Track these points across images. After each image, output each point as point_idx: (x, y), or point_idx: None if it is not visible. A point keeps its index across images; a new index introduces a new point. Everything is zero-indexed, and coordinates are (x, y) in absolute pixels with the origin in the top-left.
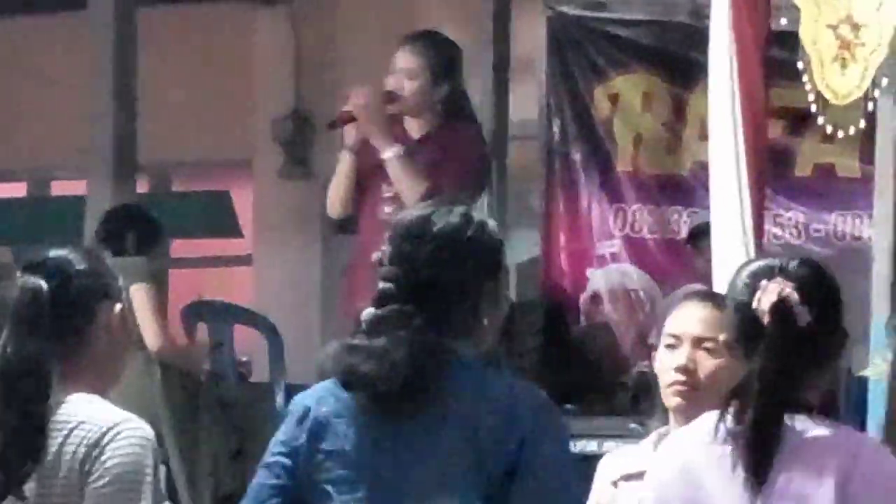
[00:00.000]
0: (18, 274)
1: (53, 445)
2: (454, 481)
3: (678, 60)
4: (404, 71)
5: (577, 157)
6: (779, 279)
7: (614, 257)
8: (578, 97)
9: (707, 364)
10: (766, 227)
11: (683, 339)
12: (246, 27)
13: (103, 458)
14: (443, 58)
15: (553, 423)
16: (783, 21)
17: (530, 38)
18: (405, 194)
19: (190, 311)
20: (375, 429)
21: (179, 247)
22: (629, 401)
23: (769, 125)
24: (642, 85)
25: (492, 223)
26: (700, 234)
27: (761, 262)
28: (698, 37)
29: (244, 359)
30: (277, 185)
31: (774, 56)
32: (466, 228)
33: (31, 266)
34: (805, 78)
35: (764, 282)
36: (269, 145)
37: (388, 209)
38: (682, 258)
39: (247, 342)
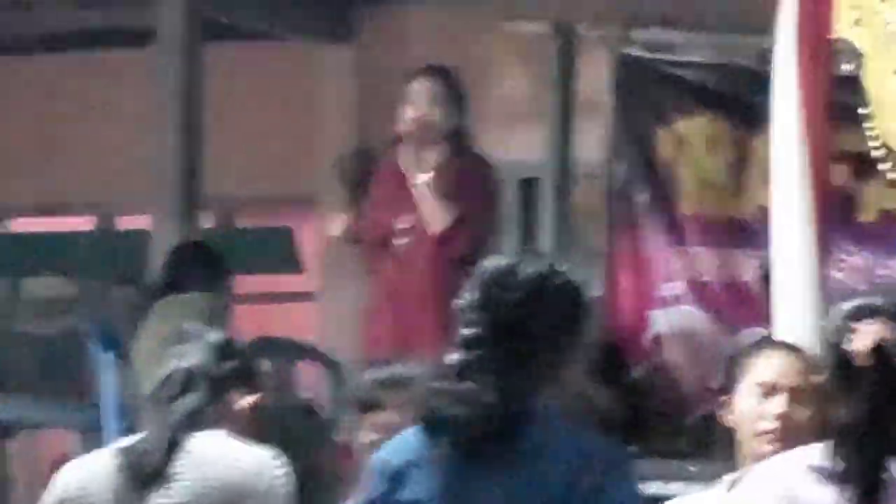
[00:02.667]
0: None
1: (189, 468)
2: None
3: (743, 104)
4: (431, 98)
5: (640, 198)
6: (874, 320)
7: (678, 299)
8: (642, 139)
9: (802, 413)
10: (829, 272)
11: (779, 388)
12: (311, 64)
13: (263, 489)
14: (454, 91)
15: (623, 478)
16: (847, 66)
17: (595, 80)
18: (433, 221)
19: (254, 347)
20: (450, 476)
21: (243, 283)
22: (691, 444)
23: (832, 170)
24: (706, 128)
25: (578, 273)
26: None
27: (855, 303)
28: (763, 81)
29: (308, 395)
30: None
31: (838, 101)
32: (553, 277)
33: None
34: (869, 124)
35: (859, 323)
36: (333, 182)
37: (403, 241)
38: (746, 301)
39: (311, 378)
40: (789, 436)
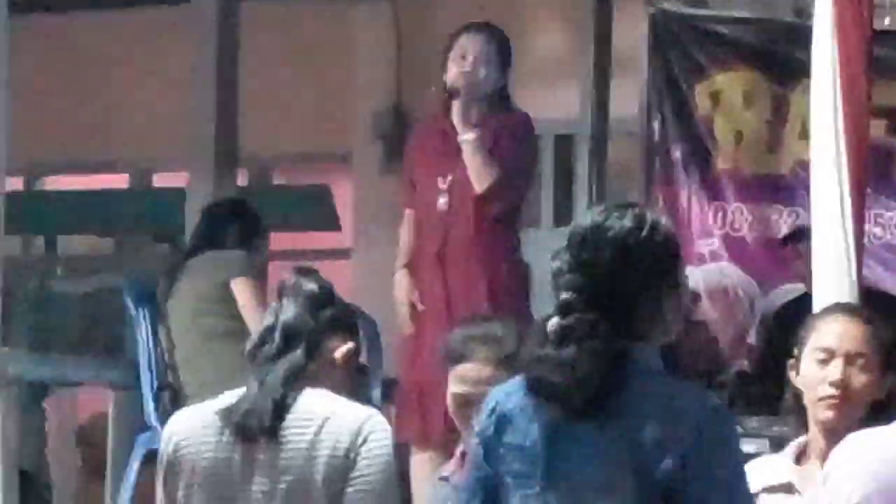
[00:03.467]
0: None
1: (303, 432)
2: (615, 487)
3: (780, 58)
4: (480, 56)
5: (677, 154)
6: None
7: (714, 255)
8: (679, 95)
9: (860, 379)
10: (867, 226)
11: (837, 353)
12: (347, 21)
13: (367, 446)
14: (501, 47)
15: (719, 434)
16: (886, 21)
17: (632, 36)
18: (478, 179)
19: None
20: (553, 427)
21: (279, 240)
22: (726, 399)
23: (871, 124)
24: (743, 83)
25: (665, 221)
26: (799, 235)
27: None
28: (801, 35)
29: None
30: (376, 180)
31: (877, 55)
32: (641, 230)
33: (304, 272)
34: None
35: None
36: (369, 139)
37: (443, 201)
38: (782, 257)
39: None
40: (849, 402)
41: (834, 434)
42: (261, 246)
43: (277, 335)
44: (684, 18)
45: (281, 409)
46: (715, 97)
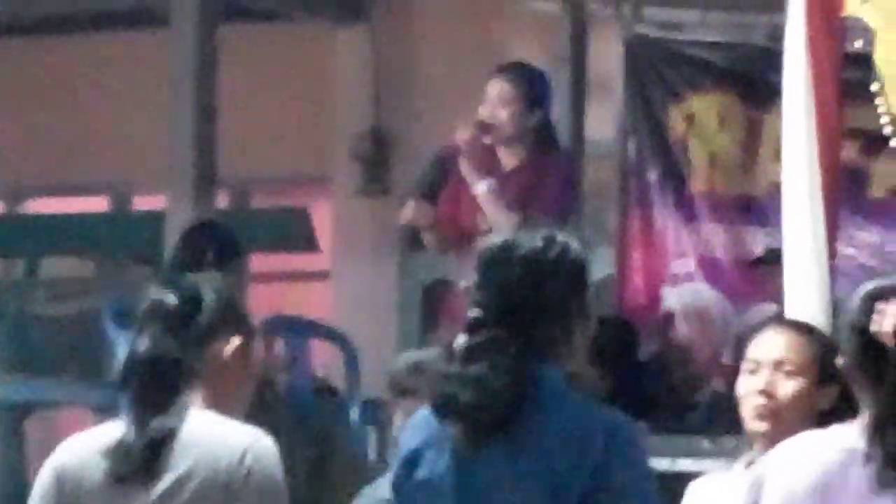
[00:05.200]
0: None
1: (176, 454)
2: None
3: (754, 81)
4: (498, 99)
5: (652, 176)
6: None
7: (688, 276)
8: (654, 117)
9: (786, 386)
10: (840, 248)
11: (763, 363)
12: (326, 45)
13: (250, 475)
14: (535, 86)
15: (629, 450)
16: (858, 43)
17: (607, 59)
18: (498, 227)
19: (267, 325)
20: (461, 455)
21: (258, 262)
22: (702, 420)
23: (843, 146)
24: (718, 105)
25: (575, 242)
26: (770, 257)
27: (877, 284)
28: (774, 58)
29: (321, 374)
30: (355, 202)
31: (849, 77)
32: (550, 250)
33: (166, 283)
34: (879, 100)
35: (882, 304)
36: (348, 162)
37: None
38: (756, 278)
39: (324, 357)
40: (778, 412)
41: (770, 444)
42: (238, 268)
43: (143, 371)
44: (659, 42)
45: (157, 445)
46: (690, 119)
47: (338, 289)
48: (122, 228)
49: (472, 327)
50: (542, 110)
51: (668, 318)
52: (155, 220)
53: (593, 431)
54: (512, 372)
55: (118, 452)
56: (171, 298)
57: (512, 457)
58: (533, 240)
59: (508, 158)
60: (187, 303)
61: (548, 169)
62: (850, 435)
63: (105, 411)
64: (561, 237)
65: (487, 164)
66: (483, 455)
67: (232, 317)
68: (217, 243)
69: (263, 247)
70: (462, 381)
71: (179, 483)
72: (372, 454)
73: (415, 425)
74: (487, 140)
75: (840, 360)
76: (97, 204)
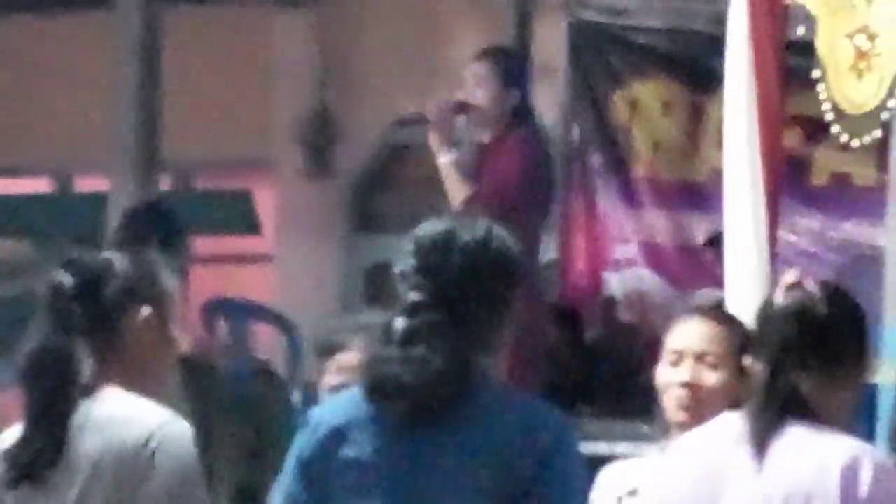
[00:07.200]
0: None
1: (88, 440)
2: (468, 496)
3: (697, 68)
4: (477, 79)
5: (595, 162)
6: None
7: (630, 262)
8: (598, 103)
9: (710, 378)
10: (782, 234)
11: (685, 354)
12: (269, 28)
13: (155, 458)
14: (512, 67)
15: (570, 444)
16: (800, 30)
17: (551, 45)
18: (451, 197)
19: (210, 307)
20: (393, 439)
21: (201, 245)
22: (641, 404)
23: (785, 133)
24: (661, 92)
25: (510, 239)
26: (719, 240)
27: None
28: (717, 44)
29: (263, 357)
30: (299, 185)
31: (791, 65)
32: (490, 241)
33: (65, 264)
34: (821, 87)
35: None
36: (291, 145)
37: None
38: (699, 263)
39: (267, 340)
40: (701, 403)
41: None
42: (181, 250)
43: (34, 371)
44: (603, 28)
45: (59, 444)
46: (633, 105)
47: (281, 271)
48: (64, 210)
49: (412, 310)
50: (519, 90)
51: (610, 302)
52: (97, 201)
53: (538, 426)
54: (453, 355)
55: (8, 457)
56: (68, 279)
57: (450, 444)
58: (473, 229)
59: (483, 136)
60: (87, 282)
61: (514, 149)
62: (738, 419)
63: None
64: (497, 231)
65: (456, 138)
66: (419, 440)
67: (143, 290)
68: (160, 225)
69: (207, 229)
70: (404, 362)
71: (95, 467)
72: None
73: (338, 405)
74: (461, 118)
75: (727, 350)
76: (39, 185)
